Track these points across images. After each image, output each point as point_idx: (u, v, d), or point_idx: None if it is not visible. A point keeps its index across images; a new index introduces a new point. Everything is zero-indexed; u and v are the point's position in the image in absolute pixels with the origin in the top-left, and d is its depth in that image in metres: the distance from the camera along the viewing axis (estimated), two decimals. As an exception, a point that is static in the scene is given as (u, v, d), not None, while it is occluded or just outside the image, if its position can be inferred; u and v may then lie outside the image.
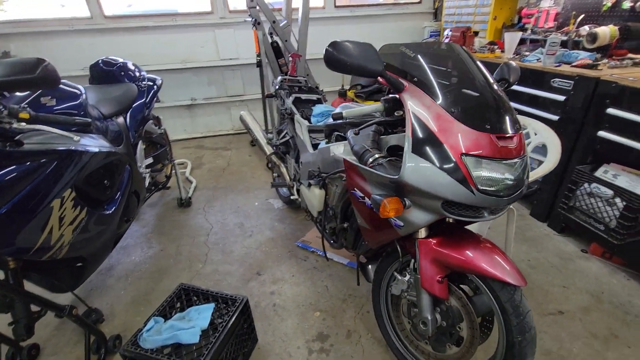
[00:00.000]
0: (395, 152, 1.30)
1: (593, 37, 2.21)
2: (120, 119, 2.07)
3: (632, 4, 2.11)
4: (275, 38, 3.27)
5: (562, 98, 2.03)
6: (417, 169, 0.99)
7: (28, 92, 1.35)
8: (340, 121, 1.36)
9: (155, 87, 2.48)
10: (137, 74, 2.41)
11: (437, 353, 1.28)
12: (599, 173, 1.86)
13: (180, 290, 1.53)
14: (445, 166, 0.96)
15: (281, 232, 2.38)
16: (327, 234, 1.75)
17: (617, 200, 1.74)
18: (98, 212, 1.49)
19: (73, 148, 1.31)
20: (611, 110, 1.76)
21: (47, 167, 1.20)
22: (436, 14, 4.29)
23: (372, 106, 1.21)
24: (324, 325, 1.65)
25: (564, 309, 1.66)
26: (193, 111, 4.29)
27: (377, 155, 1.19)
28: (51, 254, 1.27)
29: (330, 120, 1.73)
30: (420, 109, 1.02)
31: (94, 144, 1.47)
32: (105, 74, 2.27)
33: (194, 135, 4.38)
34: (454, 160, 0.95)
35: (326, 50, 1.04)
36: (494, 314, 1.13)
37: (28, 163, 1.13)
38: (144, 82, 2.41)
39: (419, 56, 1.10)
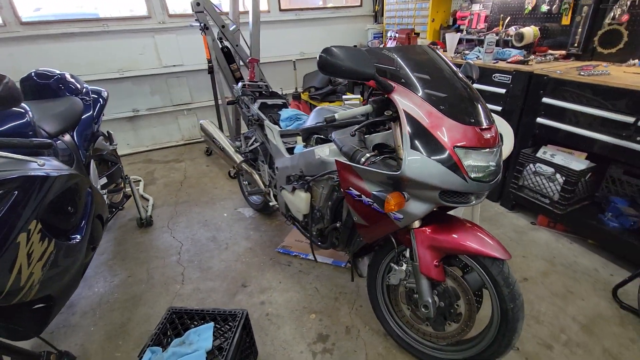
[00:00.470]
0: (381, 150, 1.38)
1: (520, 36, 2.53)
2: (68, 137, 1.87)
3: (548, 7, 2.46)
4: (226, 43, 3.18)
5: (503, 91, 2.29)
6: (415, 163, 1.06)
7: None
8: (331, 124, 1.39)
9: (101, 99, 2.27)
10: (79, 86, 2.18)
11: (438, 332, 1.38)
12: (539, 154, 2.14)
13: (172, 315, 1.43)
14: (440, 158, 1.04)
15: (258, 241, 2.33)
16: (314, 236, 1.76)
17: (557, 176, 2.02)
18: (65, 244, 1.33)
19: (34, 174, 1.15)
20: (545, 99, 2.04)
21: (7, 198, 1.04)
22: (376, 16, 4.53)
23: (361, 108, 1.26)
24: (321, 326, 1.67)
25: (527, 276, 1.89)
26: (136, 123, 3.97)
27: (368, 155, 1.25)
28: (21, 297, 1.11)
29: (308, 124, 1.75)
30: (412, 108, 1.09)
31: (53, 167, 1.31)
32: (41, 87, 2.02)
33: (139, 149, 4.05)
34: (448, 152, 1.04)
35: (320, 56, 1.06)
36: (483, 288, 1.26)
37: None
38: (88, 95, 2.18)
39: (399, 58, 1.17)
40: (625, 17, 2.05)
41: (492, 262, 1.19)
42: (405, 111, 1.09)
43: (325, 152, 1.52)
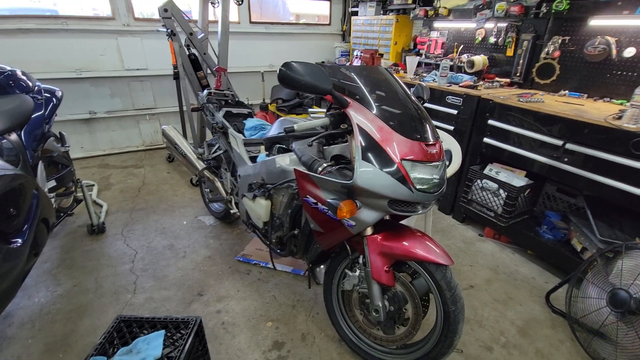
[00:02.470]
0: (338, 161, 1.45)
1: (471, 63, 2.77)
2: (14, 136, 1.77)
3: (495, 39, 2.72)
4: (193, 50, 3.17)
5: (455, 112, 2.48)
6: (366, 174, 1.14)
7: None
8: (291, 134, 1.44)
9: (54, 99, 2.18)
10: (30, 84, 2.08)
11: (388, 335, 1.44)
12: (486, 171, 2.33)
13: (120, 323, 1.37)
14: (389, 170, 1.12)
15: (218, 249, 2.30)
16: (273, 244, 1.78)
17: (501, 191, 2.21)
18: (5, 247, 1.26)
19: (-27, 172, 1.09)
20: (491, 122, 2.24)
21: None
22: (344, 35, 4.72)
23: (319, 120, 1.33)
24: (277, 334, 1.68)
25: (473, 283, 2.02)
26: (92, 126, 3.80)
27: (325, 165, 1.31)
28: (-52, 304, 1.03)
29: (271, 134, 1.79)
30: (365, 122, 1.17)
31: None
32: (-12, 83, 1.90)
33: (94, 153, 3.87)
34: (396, 164, 1.12)
35: (280, 70, 1.12)
36: (429, 293, 1.35)
37: None
38: (40, 94, 2.09)
39: (355, 77, 1.26)
40: (557, 53, 2.32)
41: (436, 268, 1.28)
42: (358, 125, 1.17)
43: (285, 161, 1.57)
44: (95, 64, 3.56)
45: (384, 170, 1.12)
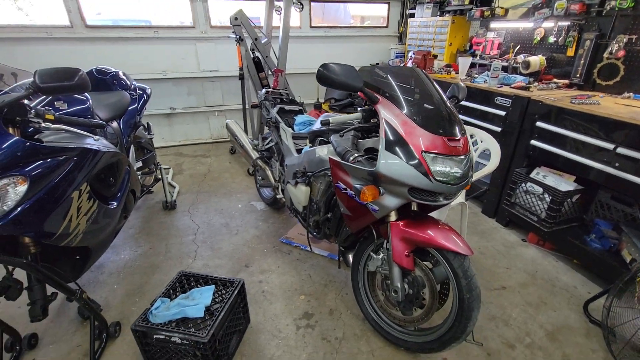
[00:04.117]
0: (371, 153, 1.60)
1: (527, 64, 2.68)
2: (115, 124, 2.22)
3: (555, 39, 2.60)
4: (257, 54, 3.53)
5: (503, 113, 2.45)
6: (389, 163, 1.28)
7: (45, 96, 1.50)
8: (326, 127, 1.63)
9: (145, 95, 2.65)
10: (129, 83, 2.57)
11: (406, 316, 1.55)
12: (533, 174, 2.27)
13: (182, 277, 1.70)
14: (410, 160, 1.25)
15: (265, 230, 2.58)
16: (311, 227, 1.99)
17: (546, 195, 2.14)
18: (105, 207, 1.64)
19: (89, 147, 1.47)
20: (539, 123, 2.19)
21: (68, 162, 1.36)
22: (401, 37, 4.78)
23: (352, 115, 1.50)
24: (308, 306, 1.88)
25: (506, 285, 2.01)
26: (172, 120, 4.40)
27: (356, 154, 1.47)
28: (68, 241, 1.41)
29: (314, 128, 2.00)
30: (391, 117, 1.31)
31: (103, 144, 1.64)
32: (99, 81, 2.41)
33: (171, 143, 4.48)
34: (417, 156, 1.25)
35: (318, 70, 1.32)
36: (449, 282, 1.43)
37: (53, 158, 1.29)
38: (135, 91, 2.57)
39: (389, 76, 1.40)
40: (621, 53, 2.17)
41: (454, 256, 1.37)
42: (385, 119, 1.32)
43: (324, 151, 1.76)
44: (177, 67, 4.13)
45: (406, 159, 1.25)
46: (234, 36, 3.39)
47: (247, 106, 3.91)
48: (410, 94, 1.36)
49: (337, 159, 1.52)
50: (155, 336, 1.41)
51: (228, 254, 2.31)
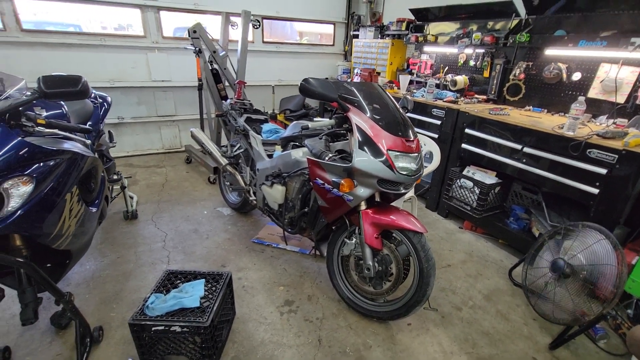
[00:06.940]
0: (341, 153, 1.88)
1: (454, 82, 3.24)
2: (81, 131, 2.19)
3: (474, 63, 3.20)
4: (215, 65, 3.65)
5: (439, 122, 2.93)
6: (362, 160, 1.56)
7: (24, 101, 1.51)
8: (306, 130, 1.88)
9: (105, 104, 2.62)
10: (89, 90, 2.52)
11: (376, 290, 1.83)
12: (465, 172, 2.76)
13: (169, 274, 1.77)
14: (379, 157, 1.55)
15: (236, 233, 2.70)
16: (285, 224, 2.19)
17: (475, 188, 2.63)
18: (89, 209, 1.67)
19: (77, 151, 1.52)
20: (467, 130, 2.69)
21: (63, 165, 1.40)
22: (346, 55, 5.24)
23: (327, 121, 1.76)
24: (288, 295, 2.06)
25: (450, 263, 2.42)
26: (120, 129, 4.24)
27: (331, 154, 1.74)
28: (59, 243, 1.43)
29: (287, 134, 2.23)
30: (362, 122, 1.61)
31: (85, 150, 1.67)
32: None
33: (120, 153, 4.30)
34: (384, 153, 1.55)
35: (301, 83, 1.57)
36: (409, 259, 1.75)
37: (53, 160, 1.33)
38: (96, 99, 2.54)
39: (354, 89, 1.70)
40: (522, 76, 2.79)
41: (414, 235, 1.69)
42: (356, 124, 1.61)
43: (299, 154, 2.00)
44: (126, 75, 4.03)
45: (375, 156, 1.55)
46: (192, 48, 3.48)
47: (205, 116, 3.97)
48: (373, 104, 1.68)
49: (315, 159, 1.77)
50: (153, 328, 1.48)
51: (203, 257, 2.39)
